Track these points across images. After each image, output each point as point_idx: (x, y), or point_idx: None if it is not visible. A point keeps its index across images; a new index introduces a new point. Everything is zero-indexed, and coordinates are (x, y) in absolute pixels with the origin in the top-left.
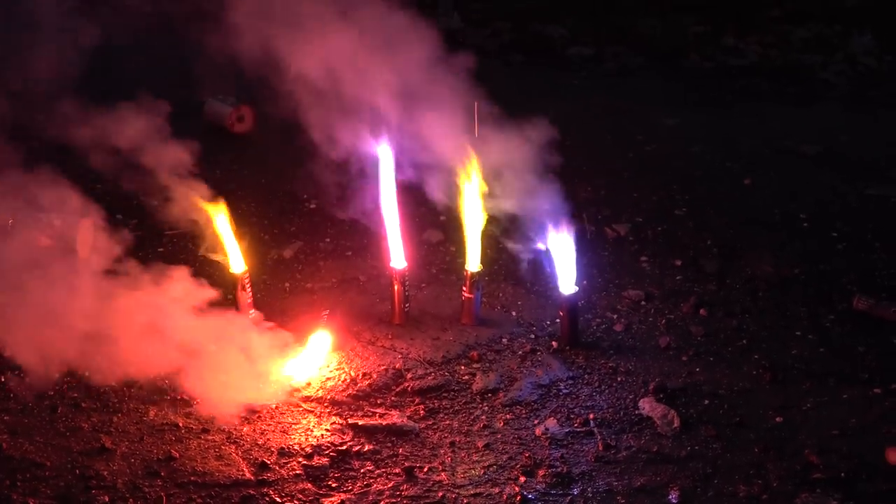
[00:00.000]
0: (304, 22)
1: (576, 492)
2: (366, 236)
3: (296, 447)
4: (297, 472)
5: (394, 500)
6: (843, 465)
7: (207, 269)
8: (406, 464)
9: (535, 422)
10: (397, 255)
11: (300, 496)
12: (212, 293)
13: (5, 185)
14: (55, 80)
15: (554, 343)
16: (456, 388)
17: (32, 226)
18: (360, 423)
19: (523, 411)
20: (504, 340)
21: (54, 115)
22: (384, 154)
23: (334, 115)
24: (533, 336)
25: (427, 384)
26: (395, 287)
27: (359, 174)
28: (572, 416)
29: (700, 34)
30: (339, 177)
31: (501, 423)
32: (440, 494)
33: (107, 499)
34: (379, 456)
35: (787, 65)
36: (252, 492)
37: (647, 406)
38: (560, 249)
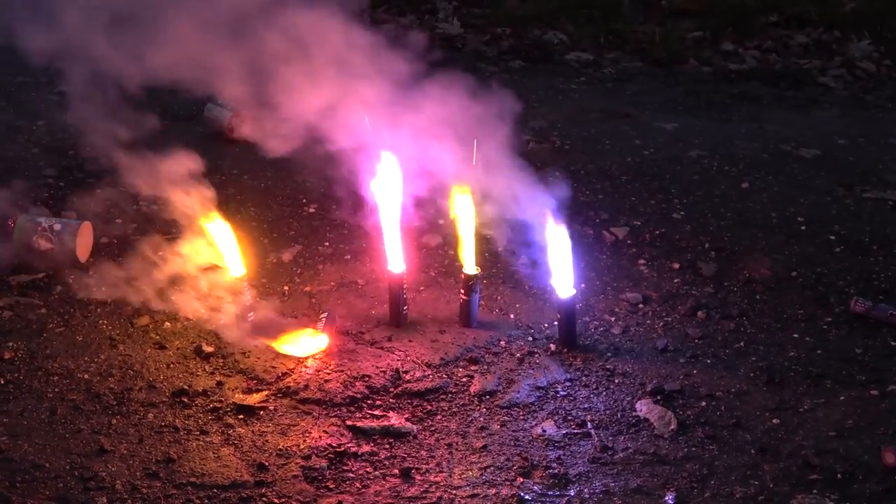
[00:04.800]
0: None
1: (572, 493)
2: (365, 240)
3: (294, 448)
4: (295, 473)
5: (391, 501)
6: (839, 466)
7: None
8: (403, 465)
9: (533, 423)
10: (396, 259)
11: (298, 497)
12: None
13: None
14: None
15: (552, 345)
16: (454, 389)
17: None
18: (358, 424)
19: (521, 413)
20: (502, 343)
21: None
22: (385, 159)
23: (333, 120)
24: (531, 338)
25: (425, 386)
26: (394, 290)
27: (358, 178)
28: (569, 417)
29: (699, 39)
30: (339, 181)
31: (499, 425)
32: (437, 495)
33: (105, 500)
34: (377, 457)
35: (786, 69)
36: (250, 493)
37: (644, 408)
38: (558, 252)
